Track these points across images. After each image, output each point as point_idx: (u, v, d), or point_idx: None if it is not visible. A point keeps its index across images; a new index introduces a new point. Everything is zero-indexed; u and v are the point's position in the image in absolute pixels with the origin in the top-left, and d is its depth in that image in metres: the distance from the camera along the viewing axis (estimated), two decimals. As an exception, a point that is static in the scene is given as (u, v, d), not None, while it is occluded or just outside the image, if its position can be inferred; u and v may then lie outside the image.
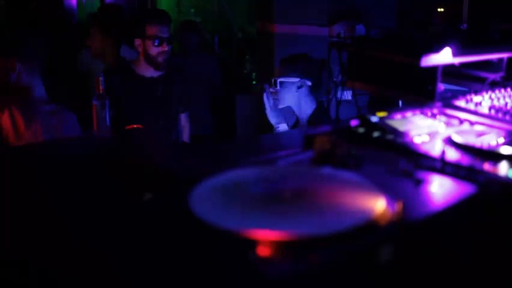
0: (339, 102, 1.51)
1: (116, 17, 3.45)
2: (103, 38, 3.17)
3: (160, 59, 2.73)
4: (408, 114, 1.26)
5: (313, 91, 2.58)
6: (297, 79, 2.53)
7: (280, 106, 2.60)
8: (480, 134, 1.17)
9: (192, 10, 6.73)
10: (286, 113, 2.73)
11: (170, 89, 2.86)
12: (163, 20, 2.77)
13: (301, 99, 2.57)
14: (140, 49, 2.75)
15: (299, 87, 2.54)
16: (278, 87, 2.55)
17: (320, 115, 2.57)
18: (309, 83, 2.55)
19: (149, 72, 2.79)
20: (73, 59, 3.98)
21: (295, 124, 2.74)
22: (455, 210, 0.84)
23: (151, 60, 2.74)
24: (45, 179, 1.00)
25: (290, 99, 2.57)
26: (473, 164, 0.97)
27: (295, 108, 2.62)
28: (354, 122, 1.16)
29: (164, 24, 2.74)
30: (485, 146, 1.07)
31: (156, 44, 2.70)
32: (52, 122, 2.28)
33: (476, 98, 1.39)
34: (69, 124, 2.33)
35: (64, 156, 1.15)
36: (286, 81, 2.54)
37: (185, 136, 3.06)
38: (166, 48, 2.73)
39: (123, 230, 0.76)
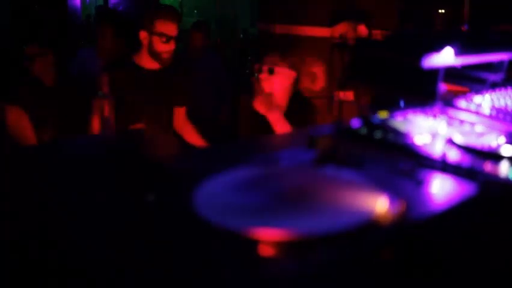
0: (341, 102, 1.51)
1: (127, 17, 3.49)
2: (114, 37, 3.19)
3: (165, 55, 2.71)
4: (410, 114, 1.27)
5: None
6: None
7: None
8: (481, 135, 1.17)
9: (195, 11, 6.74)
10: None
11: (170, 81, 2.82)
12: (174, 18, 2.73)
13: None
14: (145, 42, 2.71)
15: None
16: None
17: None
18: None
19: (151, 64, 2.76)
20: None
21: None
22: (455, 211, 0.85)
23: (155, 56, 2.72)
24: (47, 178, 1.01)
25: None
26: (474, 164, 0.97)
27: None
28: (356, 123, 1.17)
29: (174, 22, 2.71)
30: (485, 146, 1.07)
31: (163, 41, 2.67)
32: (7, 119, 2.27)
33: (477, 99, 1.39)
34: (23, 123, 2.31)
35: (66, 156, 1.15)
36: None
37: (187, 130, 2.98)
38: (173, 47, 2.71)
39: (125, 229, 0.77)
